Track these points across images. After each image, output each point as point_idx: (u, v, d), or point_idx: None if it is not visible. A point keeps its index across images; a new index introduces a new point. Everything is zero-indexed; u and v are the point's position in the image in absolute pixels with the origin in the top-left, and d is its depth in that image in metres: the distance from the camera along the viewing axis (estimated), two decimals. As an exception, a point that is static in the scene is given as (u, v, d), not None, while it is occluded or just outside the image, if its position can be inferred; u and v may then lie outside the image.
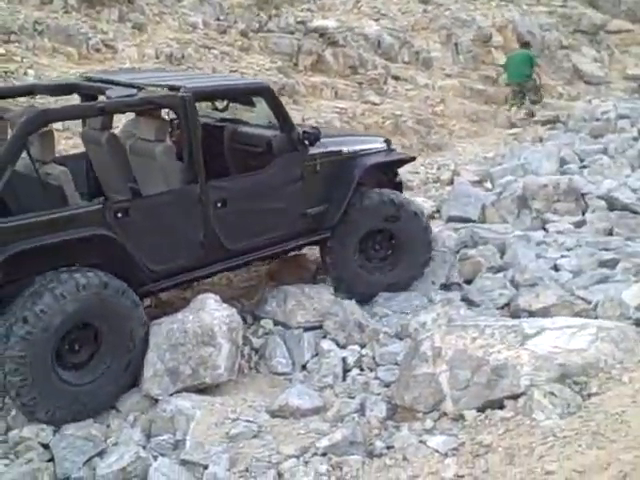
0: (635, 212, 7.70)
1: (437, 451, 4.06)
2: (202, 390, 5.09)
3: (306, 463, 4.13)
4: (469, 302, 6.17)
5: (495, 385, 4.42)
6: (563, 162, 9.68)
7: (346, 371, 5.34)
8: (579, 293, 6.06)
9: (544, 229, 7.84)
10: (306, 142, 5.92)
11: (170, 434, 4.68)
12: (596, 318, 5.39)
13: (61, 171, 5.25)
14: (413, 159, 7.37)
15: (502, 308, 6.09)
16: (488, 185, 9.60)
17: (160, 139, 5.53)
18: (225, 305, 5.38)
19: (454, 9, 16.60)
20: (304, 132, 5.93)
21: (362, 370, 5.33)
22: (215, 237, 5.51)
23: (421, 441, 4.23)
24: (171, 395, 4.98)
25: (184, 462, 4.36)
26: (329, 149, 6.18)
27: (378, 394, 4.93)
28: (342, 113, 12.41)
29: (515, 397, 4.32)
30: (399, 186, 6.85)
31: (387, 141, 6.87)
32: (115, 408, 5.10)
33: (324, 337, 5.73)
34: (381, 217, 6.29)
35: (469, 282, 6.61)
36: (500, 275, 6.53)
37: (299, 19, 15.13)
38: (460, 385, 4.50)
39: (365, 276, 6.32)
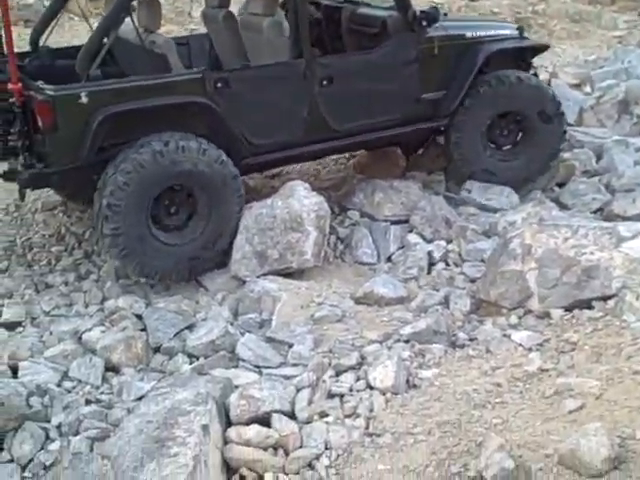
0: None
1: (521, 345, 4.05)
2: (288, 275, 5.19)
3: (389, 348, 4.19)
4: (561, 205, 6.01)
5: (585, 286, 4.35)
6: (671, 67, 9.14)
7: (431, 265, 5.33)
8: (678, 201, 5.83)
9: (644, 134, 7.50)
10: (423, 22, 5.70)
11: (257, 313, 4.82)
12: (696, 227, 5.19)
13: (165, 40, 5.36)
14: (546, 47, 6.86)
15: (595, 212, 5.92)
16: (587, 89, 9.15)
17: (268, 13, 5.53)
18: (314, 193, 5.40)
19: None
20: (421, 12, 5.73)
21: (447, 265, 5.32)
22: (320, 115, 5.46)
23: (505, 335, 4.23)
24: (258, 277, 5.10)
25: (270, 339, 4.49)
26: (450, 32, 5.94)
27: (463, 288, 4.93)
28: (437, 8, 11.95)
29: (605, 299, 4.25)
30: None
31: (520, 28, 6.48)
32: (204, 287, 5.28)
33: (410, 231, 5.71)
34: (520, 98, 5.99)
35: (562, 185, 6.43)
36: (595, 179, 6.32)
37: None
38: (548, 284, 4.45)
39: (496, 166, 6.08)
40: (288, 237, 5.14)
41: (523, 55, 6.34)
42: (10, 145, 4.94)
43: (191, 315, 4.90)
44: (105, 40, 5.02)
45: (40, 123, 4.72)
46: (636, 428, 3.07)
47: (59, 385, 4.28)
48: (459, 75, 5.87)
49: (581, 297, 4.33)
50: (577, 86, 9.39)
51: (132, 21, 5.11)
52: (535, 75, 6.43)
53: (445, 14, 5.98)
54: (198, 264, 5.17)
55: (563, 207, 5.95)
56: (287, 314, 4.69)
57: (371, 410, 3.70)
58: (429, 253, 5.38)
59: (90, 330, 4.74)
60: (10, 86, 4.78)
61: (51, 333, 4.81)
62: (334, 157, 7.01)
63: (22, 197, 5.28)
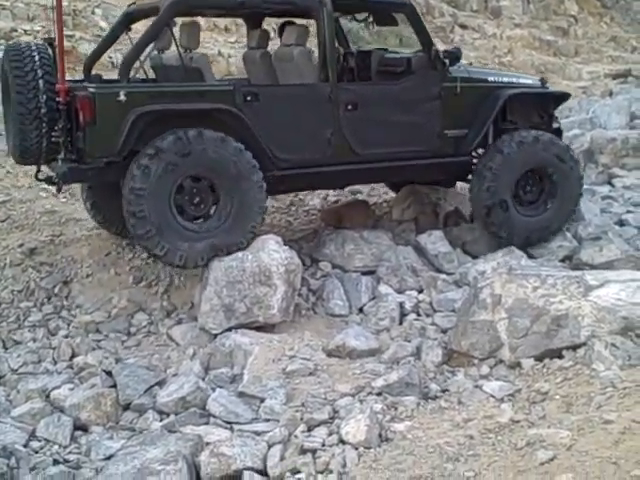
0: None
1: (493, 396, 4.06)
2: (260, 328, 5.16)
3: (361, 401, 4.17)
4: (529, 254, 6.08)
5: (555, 335, 4.38)
6: (633, 116, 9.39)
7: (403, 315, 5.35)
8: (644, 249, 5.93)
9: (610, 184, 7.68)
10: (446, 61, 6.00)
11: (228, 368, 4.78)
12: (661, 274, 5.27)
13: (201, 55, 5.83)
14: (568, 96, 7.00)
15: (563, 261, 6.01)
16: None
17: (299, 43, 5.93)
18: (285, 247, 5.41)
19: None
20: (444, 51, 6.06)
21: (419, 315, 5.34)
22: (343, 138, 5.74)
23: (477, 386, 4.24)
24: (229, 331, 5.07)
25: (241, 394, 4.45)
26: (473, 75, 6.32)
27: (435, 339, 4.94)
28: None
29: (575, 347, 4.28)
30: (558, 133, 6.59)
31: (542, 80, 6.77)
32: (175, 341, 5.24)
33: (378, 282, 5.74)
34: (549, 155, 6.17)
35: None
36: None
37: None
38: (519, 333, 4.48)
39: (521, 220, 6.16)
40: (256, 291, 5.14)
41: (546, 105, 6.56)
42: (54, 141, 5.26)
43: (162, 370, 4.86)
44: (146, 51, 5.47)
45: (81, 117, 5.09)
46: (607, 479, 3.06)
47: (26, 445, 4.20)
48: (481, 115, 6.14)
49: (551, 346, 4.36)
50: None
51: (174, 40, 5.57)
52: (559, 130, 6.61)
53: (470, 63, 6.40)
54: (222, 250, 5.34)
55: (531, 256, 6.02)
56: (259, 368, 4.66)
57: (344, 465, 3.66)
58: (400, 304, 5.40)
59: (59, 387, 4.68)
60: (57, 86, 5.19)
61: (18, 391, 4.74)
62: (306, 208, 7.06)
63: (59, 190, 5.66)
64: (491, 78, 6.39)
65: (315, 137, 5.66)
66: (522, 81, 6.64)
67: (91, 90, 5.15)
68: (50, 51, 5.32)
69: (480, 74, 6.51)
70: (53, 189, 6.19)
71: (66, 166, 5.19)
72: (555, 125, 6.60)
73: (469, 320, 4.71)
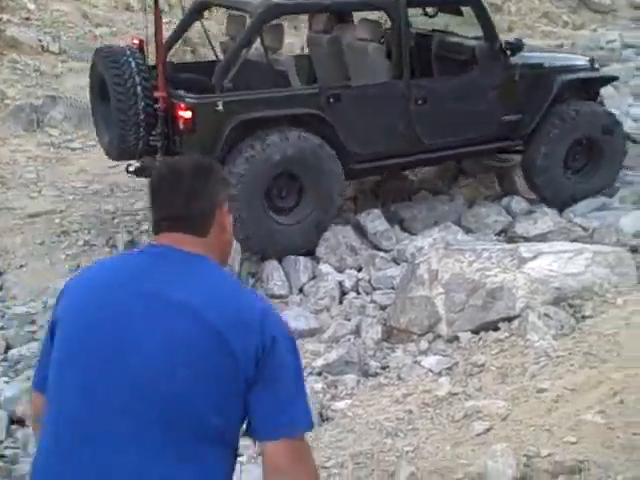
0: (636, 141, 7.63)
1: (431, 370, 4.11)
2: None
3: (302, 382, 4.17)
4: (466, 229, 6.16)
5: (490, 307, 4.45)
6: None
7: (343, 294, 5.37)
8: (577, 220, 6.07)
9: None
10: (508, 52, 6.28)
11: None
12: (593, 244, 5.39)
13: (287, 58, 6.15)
14: (615, 78, 7.55)
15: (499, 234, 6.10)
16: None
17: (373, 39, 6.23)
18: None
19: None
20: (507, 42, 6.34)
21: (359, 293, 5.36)
22: (414, 130, 6.07)
23: (415, 361, 4.29)
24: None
25: None
26: (530, 61, 6.57)
27: (374, 317, 4.97)
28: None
29: (510, 319, 4.36)
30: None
31: (591, 60, 7.10)
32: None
33: (318, 262, 5.74)
34: (597, 127, 6.53)
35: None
36: (497, 202, 6.52)
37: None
38: (455, 307, 4.54)
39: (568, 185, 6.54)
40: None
41: (593, 86, 6.95)
42: (151, 144, 5.53)
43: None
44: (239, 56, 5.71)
45: (181, 125, 5.38)
46: (541, 446, 3.13)
47: (-39, 442, 4.09)
48: (537, 101, 6.43)
49: (487, 319, 4.42)
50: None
51: (262, 42, 5.81)
52: (602, 103, 7.04)
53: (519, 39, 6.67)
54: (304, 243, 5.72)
55: (468, 230, 6.10)
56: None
57: (285, 446, 3.66)
58: (340, 283, 5.42)
59: (-7, 381, 4.56)
60: (157, 93, 5.48)
61: (-49, 387, 4.61)
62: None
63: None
64: (546, 63, 6.66)
65: (389, 131, 6.01)
66: (574, 63, 6.94)
67: (191, 101, 5.44)
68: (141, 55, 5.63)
69: (535, 59, 6.74)
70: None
71: None
72: (599, 100, 6.97)
73: (407, 296, 4.76)
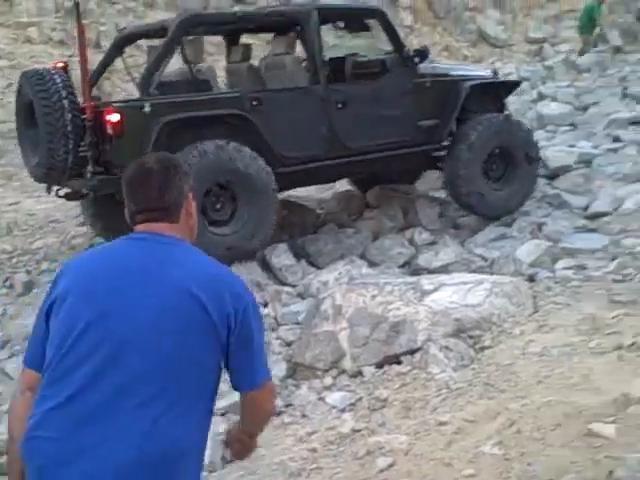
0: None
1: (335, 407, 4.11)
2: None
3: (205, 423, 4.10)
4: (370, 262, 6.23)
5: (393, 341, 4.50)
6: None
7: (249, 331, 5.31)
8: (477, 251, 6.22)
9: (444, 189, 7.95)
10: (416, 59, 6.70)
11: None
12: (492, 275, 5.54)
13: (209, 67, 6.58)
14: (519, 84, 8.02)
15: (402, 266, 6.19)
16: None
17: (289, 51, 6.57)
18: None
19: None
20: (414, 50, 6.80)
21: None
22: (336, 134, 6.32)
23: (320, 398, 4.28)
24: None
25: None
26: (438, 71, 7.15)
27: (279, 353, 4.94)
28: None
29: (413, 352, 4.41)
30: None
31: (494, 72, 7.79)
32: (8, 376, 4.96)
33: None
34: (509, 137, 6.89)
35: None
36: (400, 234, 6.63)
37: (207, -25, 14.74)
38: (359, 342, 4.56)
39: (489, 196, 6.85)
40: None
41: (499, 94, 7.39)
42: (81, 156, 5.59)
43: (-5, 408, 4.58)
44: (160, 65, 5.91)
45: (110, 131, 5.46)
46: (441, 481, 3.17)
47: None
48: (448, 107, 6.85)
49: (390, 353, 4.47)
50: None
51: (183, 55, 6.10)
52: (508, 112, 7.48)
53: (425, 46, 7.13)
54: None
55: (373, 263, 6.17)
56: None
57: (188, 491, 3.58)
58: (245, 319, 5.36)
59: None
60: (84, 104, 5.61)
61: None
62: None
63: (93, 202, 6.14)
64: (453, 72, 7.21)
65: (313, 135, 6.22)
66: (478, 73, 7.56)
67: (117, 105, 5.72)
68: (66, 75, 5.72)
69: (442, 69, 7.34)
70: None
71: (96, 179, 5.53)
72: (506, 112, 7.36)
73: (312, 332, 4.76)
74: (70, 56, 11.39)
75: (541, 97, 10.68)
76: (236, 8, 14.14)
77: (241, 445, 2.23)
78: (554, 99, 10.70)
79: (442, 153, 7.02)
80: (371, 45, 7.89)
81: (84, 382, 1.83)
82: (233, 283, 1.99)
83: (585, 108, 10.36)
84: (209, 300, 1.90)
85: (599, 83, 11.66)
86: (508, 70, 12.68)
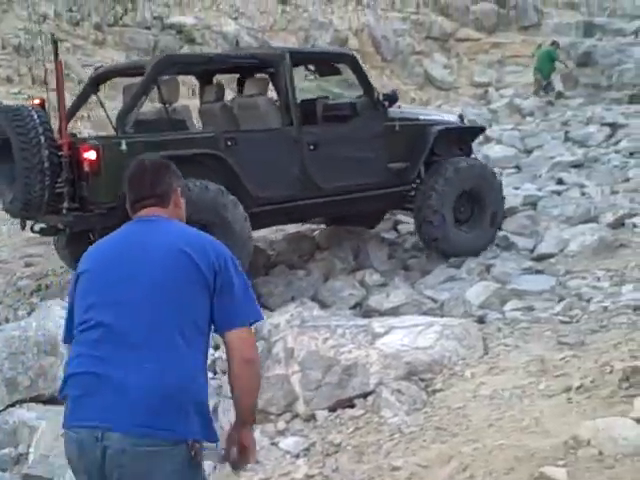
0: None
1: (288, 452, 4.08)
2: (47, 401, 4.86)
3: (156, 471, 4.02)
4: (322, 303, 6.25)
5: (346, 384, 4.50)
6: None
7: (200, 375, 5.25)
8: (427, 292, 6.29)
9: (395, 230, 8.08)
10: (385, 103, 6.86)
11: (12, 447, 4.45)
12: (442, 316, 5.60)
13: (183, 106, 6.68)
14: (484, 129, 8.43)
15: (354, 308, 6.22)
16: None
17: (262, 93, 6.69)
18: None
19: (312, 11, 16.81)
20: (384, 94, 6.97)
21: (215, 373, 5.28)
22: (309, 174, 6.43)
23: (273, 443, 4.24)
24: (8, 407, 4.74)
25: (27, 476, 4.15)
26: (407, 115, 7.37)
27: (231, 398, 4.88)
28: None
29: (365, 396, 4.41)
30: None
31: (460, 116, 8.05)
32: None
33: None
34: (476, 179, 7.04)
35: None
36: (351, 276, 6.67)
37: (156, 14, 14.83)
38: (312, 385, 4.55)
39: (457, 237, 7.00)
40: (41, 362, 4.86)
41: (465, 138, 7.63)
42: (57, 192, 5.62)
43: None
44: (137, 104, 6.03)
45: (86, 167, 5.52)
46: (394, 528, 3.16)
47: None
48: (417, 150, 7.03)
49: (343, 396, 4.46)
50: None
51: (159, 95, 6.19)
52: (474, 156, 7.78)
53: (394, 91, 7.43)
54: None
55: (324, 305, 6.18)
56: (47, 445, 4.37)
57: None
58: (196, 363, 5.30)
59: None
60: (61, 141, 5.62)
61: None
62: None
63: (67, 237, 6.16)
64: (421, 116, 7.44)
65: (286, 175, 6.33)
66: (445, 118, 7.74)
67: (94, 142, 5.70)
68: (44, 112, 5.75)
69: (411, 114, 7.57)
70: None
71: (72, 215, 5.61)
72: (472, 156, 7.58)
73: (264, 375, 4.71)
74: (17, 93, 11.29)
75: (487, 140, 10.94)
76: (185, 49, 14.36)
77: (239, 447, 2.59)
78: (499, 142, 10.98)
79: (412, 194, 7.15)
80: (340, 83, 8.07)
81: (104, 333, 2.28)
82: (213, 242, 2.46)
83: (529, 151, 10.67)
84: (195, 252, 2.35)
85: (542, 127, 12.00)
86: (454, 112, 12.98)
